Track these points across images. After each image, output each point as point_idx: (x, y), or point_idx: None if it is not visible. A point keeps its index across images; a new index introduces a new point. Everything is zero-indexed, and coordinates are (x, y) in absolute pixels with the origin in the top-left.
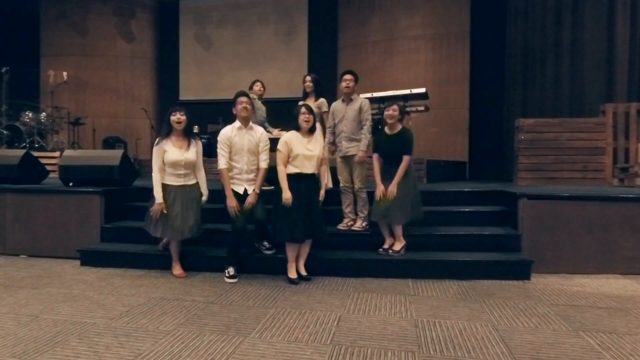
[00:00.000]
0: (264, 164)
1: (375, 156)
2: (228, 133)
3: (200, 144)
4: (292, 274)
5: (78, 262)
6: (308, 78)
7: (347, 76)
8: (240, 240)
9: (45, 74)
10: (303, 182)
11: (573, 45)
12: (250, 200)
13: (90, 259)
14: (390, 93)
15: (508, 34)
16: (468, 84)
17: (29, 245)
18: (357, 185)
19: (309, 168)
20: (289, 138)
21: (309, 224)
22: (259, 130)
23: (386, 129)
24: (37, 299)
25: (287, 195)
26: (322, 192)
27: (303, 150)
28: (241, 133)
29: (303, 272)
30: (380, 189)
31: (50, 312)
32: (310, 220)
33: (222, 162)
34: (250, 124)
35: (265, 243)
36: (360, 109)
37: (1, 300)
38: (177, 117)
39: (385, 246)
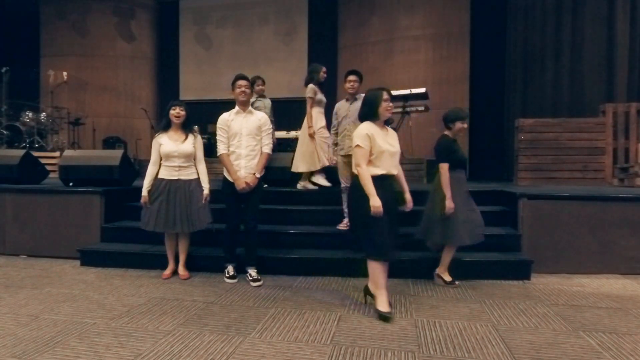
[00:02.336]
0: (266, 149)
1: (447, 166)
2: (225, 117)
3: (199, 138)
4: (386, 306)
5: (78, 262)
6: (324, 68)
7: (352, 77)
8: (234, 240)
9: (45, 74)
10: (388, 186)
11: (573, 45)
12: (249, 181)
13: (90, 259)
14: None
15: (508, 34)
16: (468, 84)
17: (29, 245)
18: None
19: (393, 168)
20: (368, 130)
21: (395, 237)
22: (259, 114)
23: (449, 134)
24: (37, 299)
25: (377, 202)
26: (408, 195)
27: (386, 146)
28: (239, 117)
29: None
30: (451, 205)
31: (50, 312)
32: (394, 232)
33: (221, 148)
34: (250, 108)
35: (253, 273)
36: None
37: (1, 300)
38: (177, 112)
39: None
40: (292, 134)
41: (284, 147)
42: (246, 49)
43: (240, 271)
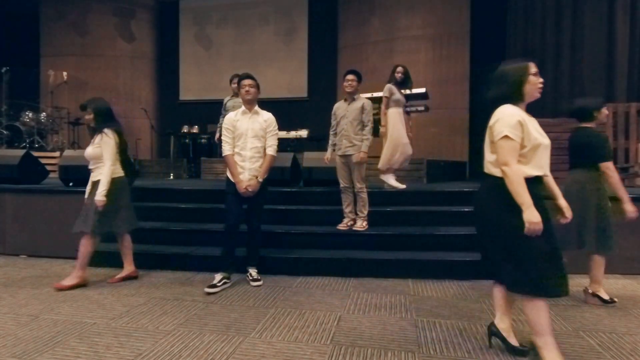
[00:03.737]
0: (270, 150)
1: (612, 164)
2: (231, 117)
3: (105, 138)
4: (557, 356)
5: None
6: (400, 69)
7: (350, 76)
8: (232, 240)
9: (45, 74)
10: (543, 192)
11: (573, 45)
12: (250, 187)
13: (90, 259)
14: None
15: (508, 34)
16: (468, 84)
17: (29, 245)
18: (358, 185)
19: (547, 167)
20: (520, 115)
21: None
22: (265, 115)
23: (594, 126)
24: (37, 299)
25: (535, 216)
26: (563, 201)
27: (540, 137)
28: (245, 117)
29: (515, 342)
30: (633, 209)
31: (50, 312)
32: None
33: (226, 148)
34: (256, 108)
35: (253, 273)
36: (363, 109)
37: (1, 300)
38: (85, 119)
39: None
40: (292, 134)
41: (284, 147)
42: (246, 49)
43: (241, 271)
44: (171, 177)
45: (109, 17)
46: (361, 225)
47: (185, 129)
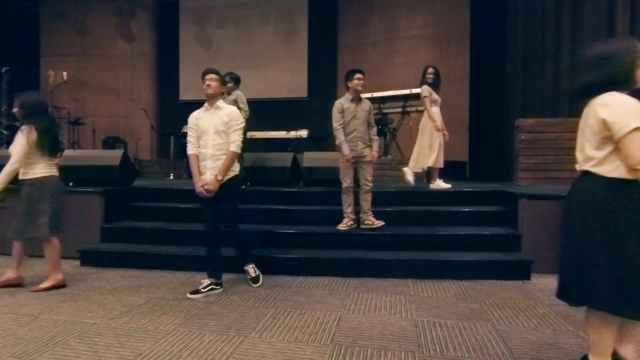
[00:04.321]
0: (232, 147)
1: None
2: (194, 115)
3: (20, 135)
4: None
5: (78, 262)
6: (431, 70)
7: (360, 75)
8: (215, 242)
9: (45, 74)
10: None
11: (573, 45)
12: (207, 185)
13: (90, 259)
14: (390, 93)
15: (508, 34)
16: (468, 83)
17: (29, 245)
18: (369, 184)
19: None
20: (637, 103)
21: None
22: (227, 109)
23: None
24: (37, 299)
25: None
26: None
27: None
28: (207, 114)
29: None
30: None
31: (50, 312)
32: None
33: (189, 148)
34: (219, 103)
35: (251, 271)
36: (370, 111)
37: (1, 300)
38: (14, 112)
39: None
40: (292, 134)
41: (284, 147)
42: (246, 49)
43: (239, 271)
44: (171, 177)
45: (109, 17)
46: (377, 222)
47: (185, 129)
